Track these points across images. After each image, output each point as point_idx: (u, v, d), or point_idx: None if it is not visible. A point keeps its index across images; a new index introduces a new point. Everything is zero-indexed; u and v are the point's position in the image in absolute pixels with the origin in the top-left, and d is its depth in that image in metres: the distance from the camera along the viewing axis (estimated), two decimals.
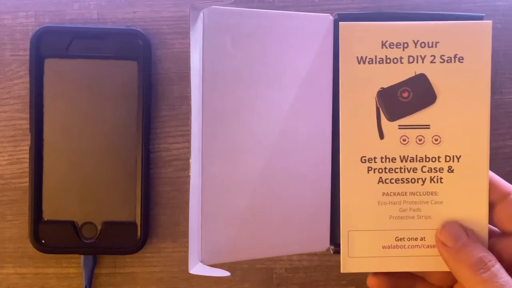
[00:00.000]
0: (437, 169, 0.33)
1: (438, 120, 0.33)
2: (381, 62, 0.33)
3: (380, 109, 0.33)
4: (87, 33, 0.45)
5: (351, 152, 0.34)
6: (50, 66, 0.45)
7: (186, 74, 0.46)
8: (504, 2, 0.47)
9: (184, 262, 0.46)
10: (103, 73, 0.45)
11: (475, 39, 0.33)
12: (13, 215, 0.47)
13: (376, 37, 0.33)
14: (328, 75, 0.44)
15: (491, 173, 0.34)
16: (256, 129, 0.43)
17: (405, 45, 0.33)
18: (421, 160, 0.33)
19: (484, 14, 0.44)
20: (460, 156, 0.33)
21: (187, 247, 0.41)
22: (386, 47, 0.33)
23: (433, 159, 0.33)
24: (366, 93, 0.33)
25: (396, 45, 0.33)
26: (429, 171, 0.34)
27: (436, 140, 0.33)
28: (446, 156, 0.33)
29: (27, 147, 0.46)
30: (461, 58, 0.33)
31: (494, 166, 0.47)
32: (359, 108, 0.33)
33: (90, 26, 0.46)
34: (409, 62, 0.33)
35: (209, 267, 0.42)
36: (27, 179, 0.46)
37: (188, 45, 0.42)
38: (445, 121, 0.33)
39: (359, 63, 0.33)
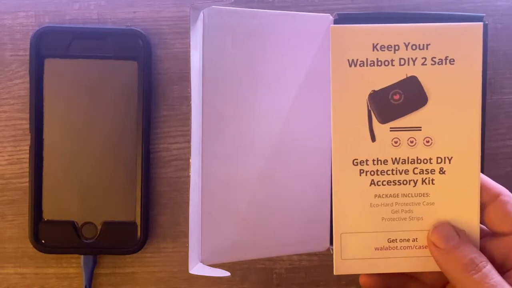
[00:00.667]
0: (429, 171, 0.34)
1: (429, 122, 0.33)
2: (372, 64, 0.33)
3: (372, 111, 0.33)
4: (87, 33, 0.45)
5: (343, 155, 0.34)
6: (50, 66, 0.45)
7: (186, 74, 0.46)
8: (504, 2, 0.47)
9: (184, 262, 0.46)
10: (103, 73, 0.45)
11: (466, 41, 0.33)
12: (13, 215, 0.47)
13: (367, 39, 0.33)
14: (328, 75, 0.44)
15: (482, 175, 0.34)
16: (256, 129, 0.43)
17: (396, 47, 0.33)
18: (412, 162, 0.33)
19: (484, 14, 0.44)
20: (451, 158, 0.33)
21: (187, 247, 0.41)
22: (377, 50, 0.33)
23: (425, 161, 0.33)
24: (357, 96, 0.33)
25: (387, 47, 0.33)
26: (421, 172, 0.34)
27: (427, 142, 0.33)
28: (437, 157, 0.33)
29: (27, 147, 0.46)
30: (452, 60, 0.33)
31: (494, 166, 0.47)
32: (351, 111, 0.33)
33: (90, 26, 0.46)
34: (400, 65, 0.33)
35: (209, 267, 0.42)
36: (27, 179, 0.46)
37: (188, 45, 0.42)
38: (436, 123, 0.33)
39: (350, 66, 0.33)
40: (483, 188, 0.34)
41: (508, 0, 0.47)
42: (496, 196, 0.34)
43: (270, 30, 0.43)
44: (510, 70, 0.47)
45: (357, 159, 0.34)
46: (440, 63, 0.33)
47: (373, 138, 0.34)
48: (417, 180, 0.34)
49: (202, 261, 0.42)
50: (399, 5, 0.47)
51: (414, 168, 0.34)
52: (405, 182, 0.34)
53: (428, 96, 0.33)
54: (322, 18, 0.43)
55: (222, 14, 0.42)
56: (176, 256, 0.47)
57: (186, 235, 0.43)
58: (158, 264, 0.47)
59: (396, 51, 0.33)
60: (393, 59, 0.33)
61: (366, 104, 0.33)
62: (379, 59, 0.33)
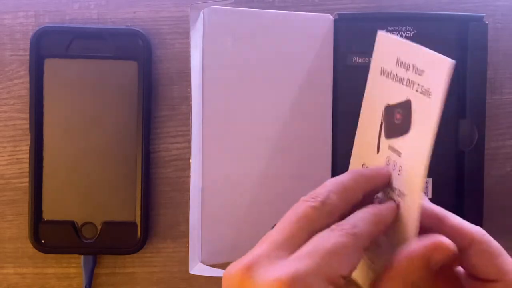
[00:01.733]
0: (394, 201, 0.31)
1: (404, 151, 0.31)
2: (393, 78, 0.32)
3: (382, 124, 0.33)
4: (87, 33, 0.45)
5: (357, 156, 0.34)
6: (50, 66, 0.45)
7: (186, 74, 0.46)
8: (504, 2, 0.47)
9: (184, 262, 0.46)
10: (103, 73, 0.45)
11: (435, 74, 0.29)
12: (13, 215, 0.47)
13: (396, 52, 0.32)
14: (328, 75, 0.44)
15: (456, 218, 0.31)
16: (256, 129, 0.43)
17: (408, 67, 0.32)
18: (389, 186, 0.32)
19: (484, 14, 0.44)
20: (405, 195, 0.31)
21: (187, 247, 0.41)
22: (398, 65, 0.32)
23: (393, 189, 0.31)
24: (379, 105, 0.32)
25: (405, 65, 0.31)
26: (390, 199, 0.32)
27: (399, 170, 0.31)
28: (398, 190, 0.31)
29: (27, 147, 0.46)
30: (429, 93, 0.30)
31: (494, 166, 0.47)
32: (372, 118, 0.33)
33: (90, 26, 0.46)
34: (406, 85, 0.31)
35: (209, 267, 0.42)
36: (27, 179, 0.46)
37: (188, 45, 0.42)
38: (407, 154, 0.31)
39: (380, 74, 0.32)
40: (458, 233, 0.31)
41: (508, 0, 0.47)
42: (472, 239, 0.31)
43: (270, 30, 0.43)
44: (510, 70, 0.47)
45: (365, 165, 0.34)
46: (423, 93, 0.31)
47: (378, 150, 0.33)
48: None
49: (202, 261, 0.42)
50: (399, 5, 0.47)
51: (389, 191, 0.32)
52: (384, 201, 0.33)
53: (411, 124, 0.31)
54: (322, 18, 0.43)
55: (222, 14, 0.42)
56: (176, 256, 0.47)
57: (186, 235, 0.43)
58: (158, 264, 0.47)
59: (407, 71, 0.31)
60: (403, 78, 0.31)
61: (382, 115, 0.32)
62: (397, 75, 0.32)
